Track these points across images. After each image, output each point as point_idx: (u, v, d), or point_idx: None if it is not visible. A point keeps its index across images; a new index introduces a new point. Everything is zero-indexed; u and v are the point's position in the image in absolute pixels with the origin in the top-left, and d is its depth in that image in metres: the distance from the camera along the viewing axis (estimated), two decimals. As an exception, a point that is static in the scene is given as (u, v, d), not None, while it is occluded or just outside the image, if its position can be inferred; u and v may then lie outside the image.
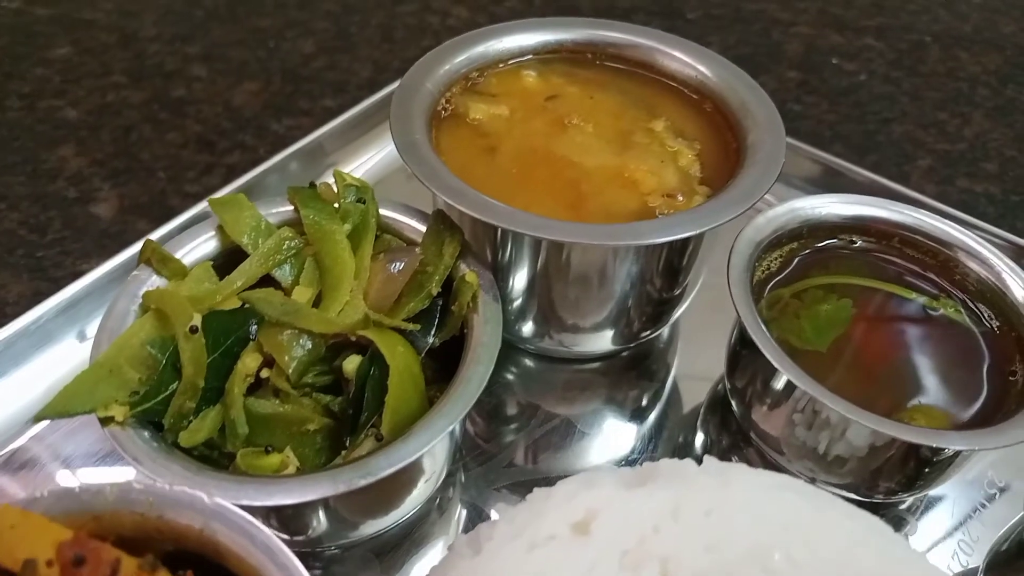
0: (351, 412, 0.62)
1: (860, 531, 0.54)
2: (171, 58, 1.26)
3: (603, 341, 0.85)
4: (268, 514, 0.63)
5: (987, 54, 1.40)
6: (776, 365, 0.67)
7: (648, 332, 0.87)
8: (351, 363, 0.63)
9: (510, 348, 0.92)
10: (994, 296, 0.76)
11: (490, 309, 0.67)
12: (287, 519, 0.64)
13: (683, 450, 0.85)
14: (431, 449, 0.58)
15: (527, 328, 0.84)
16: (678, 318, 0.89)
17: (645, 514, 0.51)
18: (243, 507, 0.46)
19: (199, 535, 0.47)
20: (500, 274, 0.78)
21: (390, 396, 0.61)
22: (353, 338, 0.63)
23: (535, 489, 0.57)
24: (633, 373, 0.91)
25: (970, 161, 1.19)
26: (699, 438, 0.87)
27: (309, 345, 0.63)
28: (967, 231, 0.79)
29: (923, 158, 1.19)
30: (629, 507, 0.52)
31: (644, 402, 0.90)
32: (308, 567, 0.77)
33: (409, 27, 1.32)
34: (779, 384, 0.72)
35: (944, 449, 0.68)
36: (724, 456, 0.83)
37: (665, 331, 0.95)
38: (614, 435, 0.85)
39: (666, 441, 0.85)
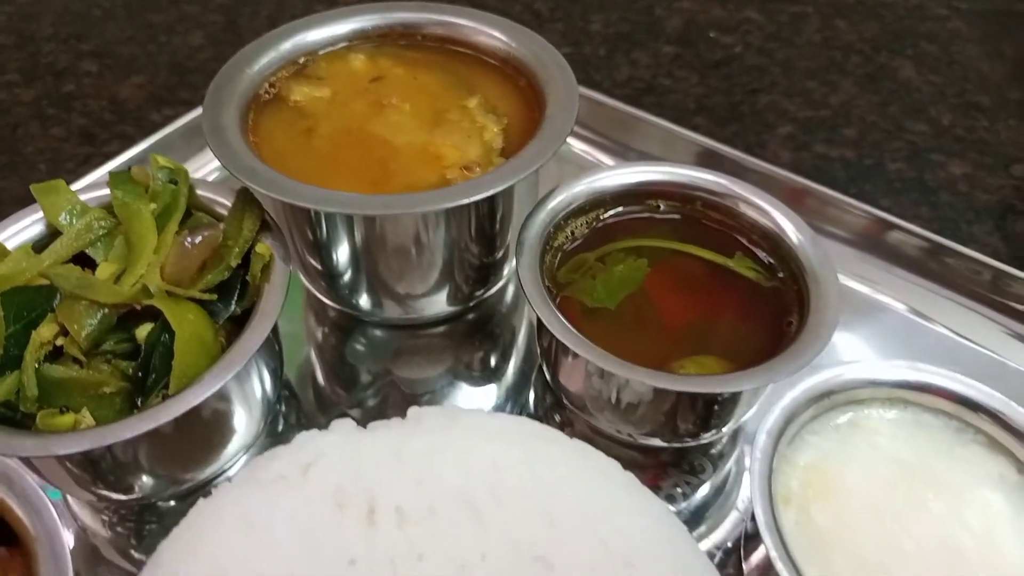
0: (141, 375, 0.68)
1: (574, 469, 0.59)
2: (64, 56, 1.31)
3: (439, 304, 0.90)
4: (88, 472, 0.69)
5: (865, 23, 1.44)
6: (547, 326, 0.71)
7: (481, 292, 0.92)
8: (143, 331, 0.69)
9: (358, 321, 0.97)
10: (777, 245, 0.81)
11: (280, 275, 0.72)
12: (105, 476, 0.70)
13: (514, 410, 0.90)
14: (220, 400, 0.64)
15: (364, 301, 0.89)
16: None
17: (367, 454, 0.56)
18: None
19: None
20: (323, 252, 0.83)
21: (176, 360, 0.66)
22: (138, 307, 0.68)
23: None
24: (477, 337, 0.96)
25: (831, 127, 1.23)
26: (531, 397, 0.92)
27: (100, 315, 0.68)
28: (746, 184, 0.83)
29: (784, 126, 1.23)
30: (354, 449, 0.57)
31: (488, 363, 0.95)
32: (144, 521, 0.83)
33: (296, 18, 1.36)
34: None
35: (719, 393, 0.74)
36: (547, 414, 0.89)
37: (509, 295, 1.00)
38: (455, 395, 0.89)
39: (502, 400, 0.91)
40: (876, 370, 0.69)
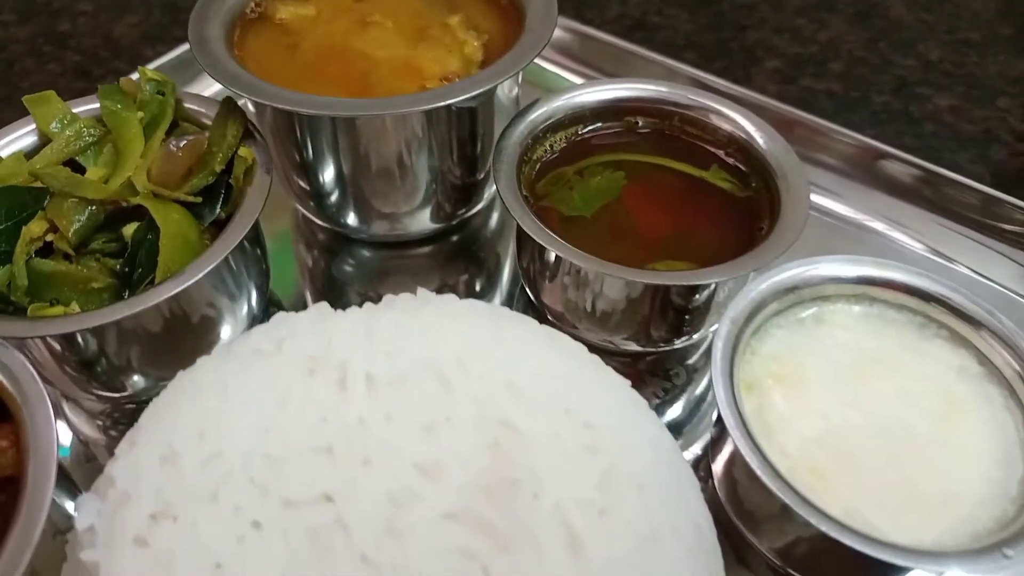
0: (127, 271, 0.70)
1: (541, 346, 0.61)
2: (60, -3, 1.33)
3: (423, 221, 0.92)
4: (79, 369, 0.72)
5: (857, -37, 1.44)
6: (523, 227, 0.73)
7: (463, 211, 0.94)
8: (129, 229, 0.71)
9: (346, 242, 0.99)
10: (749, 154, 0.82)
11: (261, 179, 0.75)
12: (94, 370, 0.73)
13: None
14: (204, 299, 0.67)
15: (350, 217, 0.91)
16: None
17: (339, 330, 0.58)
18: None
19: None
20: (307, 162, 0.85)
21: (162, 256, 0.69)
22: (125, 204, 0.71)
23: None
24: (463, 259, 0.99)
25: (819, 62, 1.24)
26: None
27: (88, 212, 0.70)
28: (719, 97, 0.85)
29: (771, 61, 1.24)
30: (326, 325, 0.59)
31: (473, 285, 0.97)
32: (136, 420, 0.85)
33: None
34: (547, 255, 0.79)
35: (695, 295, 0.76)
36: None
37: (494, 220, 1.02)
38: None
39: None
40: (841, 267, 0.71)
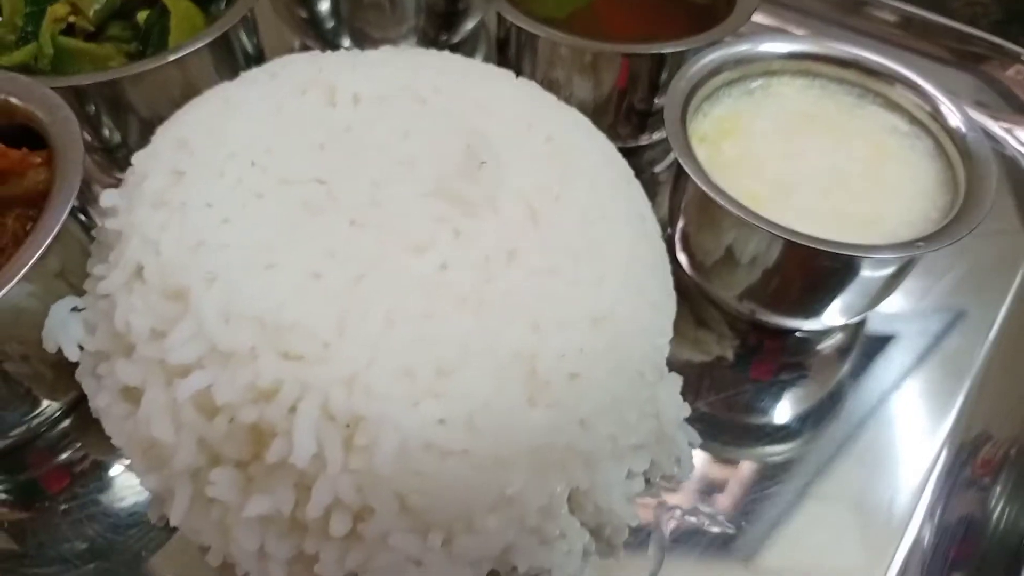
0: (141, 49, 0.78)
1: (515, 87, 0.68)
2: None
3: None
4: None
5: None
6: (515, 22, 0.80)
7: (446, 37, 1.01)
8: (142, 15, 0.79)
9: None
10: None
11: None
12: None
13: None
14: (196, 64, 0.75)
15: (347, 43, 0.98)
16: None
17: (329, 62, 0.66)
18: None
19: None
20: None
21: (172, 36, 0.76)
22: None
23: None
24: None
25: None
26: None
27: (106, -3, 0.78)
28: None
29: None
30: (317, 58, 0.67)
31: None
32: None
33: None
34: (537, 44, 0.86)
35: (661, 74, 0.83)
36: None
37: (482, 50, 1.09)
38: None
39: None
40: (787, 44, 0.78)
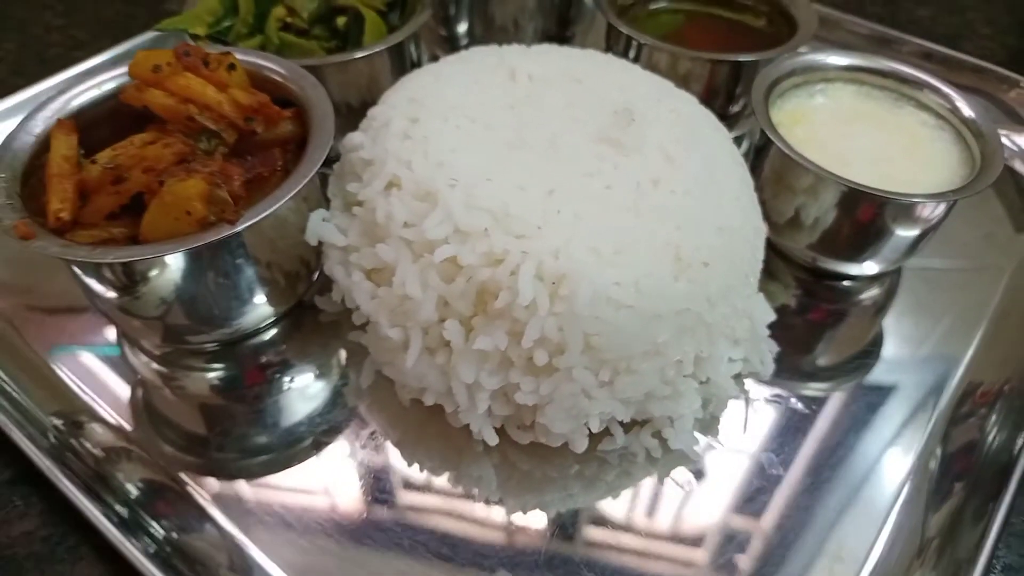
0: (340, 46, 1.01)
1: (655, 82, 0.90)
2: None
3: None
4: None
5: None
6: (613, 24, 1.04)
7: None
8: (342, 19, 1.02)
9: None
10: (767, 1, 1.14)
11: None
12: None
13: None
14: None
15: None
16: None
17: (508, 51, 0.89)
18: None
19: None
20: None
21: (365, 37, 1.00)
22: (336, 4, 1.02)
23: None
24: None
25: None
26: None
27: (315, 3, 1.01)
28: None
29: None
30: (494, 49, 0.90)
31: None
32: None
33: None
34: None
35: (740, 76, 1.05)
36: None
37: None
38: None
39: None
40: (842, 57, 1.01)
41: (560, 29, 1.21)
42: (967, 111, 0.94)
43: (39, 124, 0.82)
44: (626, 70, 0.90)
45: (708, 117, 0.88)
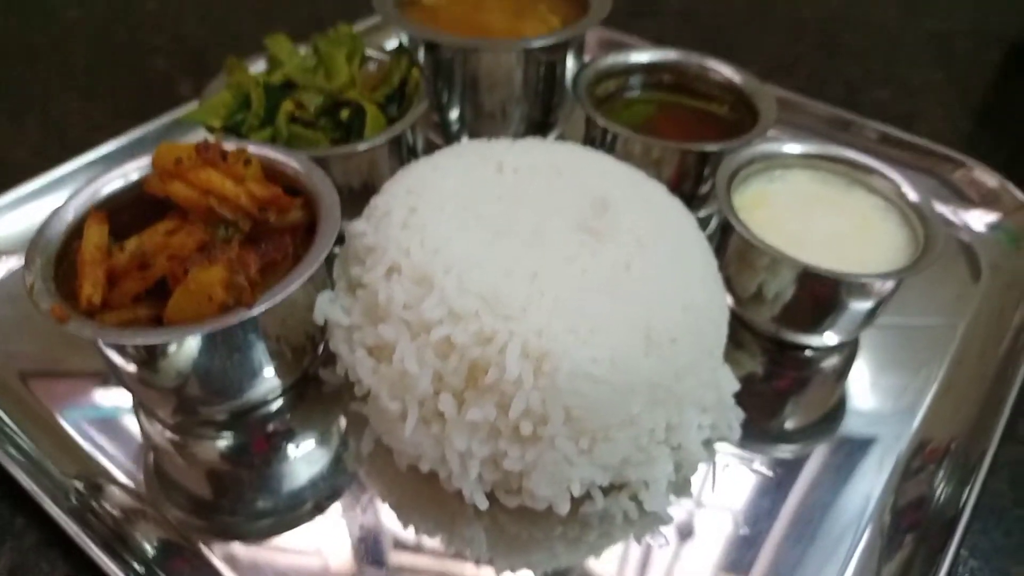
0: (344, 137, 1.11)
1: (628, 172, 1.00)
2: None
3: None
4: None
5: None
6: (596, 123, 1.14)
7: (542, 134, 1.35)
8: (345, 112, 1.12)
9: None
10: (738, 95, 1.24)
11: (422, 90, 1.16)
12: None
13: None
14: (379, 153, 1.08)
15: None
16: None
17: (496, 145, 0.99)
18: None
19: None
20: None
21: (367, 129, 1.09)
22: (340, 99, 1.11)
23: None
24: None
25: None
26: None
27: (320, 98, 1.11)
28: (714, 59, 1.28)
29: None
30: (483, 143, 0.99)
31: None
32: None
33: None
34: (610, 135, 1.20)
35: (705, 166, 1.15)
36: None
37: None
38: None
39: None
40: (798, 146, 1.11)
41: (544, 116, 1.31)
42: (912, 195, 1.04)
43: (71, 212, 0.90)
44: (601, 161, 1.00)
45: (676, 204, 0.98)
